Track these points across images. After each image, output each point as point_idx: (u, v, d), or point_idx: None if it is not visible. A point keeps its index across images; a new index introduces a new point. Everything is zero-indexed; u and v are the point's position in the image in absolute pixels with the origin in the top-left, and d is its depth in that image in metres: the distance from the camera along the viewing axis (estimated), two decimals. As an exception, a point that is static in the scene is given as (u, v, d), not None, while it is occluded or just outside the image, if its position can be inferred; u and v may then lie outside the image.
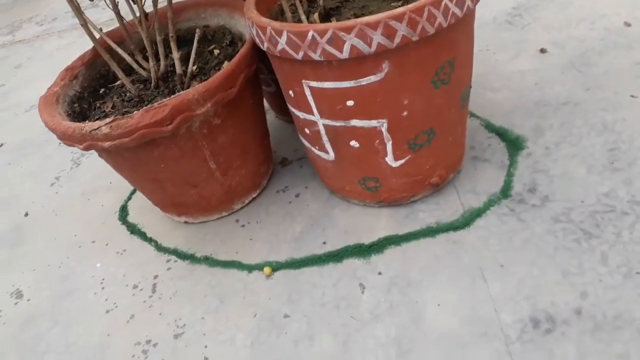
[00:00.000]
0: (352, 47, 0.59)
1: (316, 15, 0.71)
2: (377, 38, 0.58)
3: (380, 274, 0.72)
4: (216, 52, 0.85)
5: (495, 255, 0.70)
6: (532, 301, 0.63)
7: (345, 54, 0.60)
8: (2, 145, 1.38)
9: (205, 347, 0.70)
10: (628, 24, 1.06)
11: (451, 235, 0.74)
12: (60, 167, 1.19)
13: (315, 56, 0.61)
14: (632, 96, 0.88)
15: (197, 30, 0.79)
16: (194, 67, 0.80)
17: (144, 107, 0.69)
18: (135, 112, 0.68)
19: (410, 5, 0.58)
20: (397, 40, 0.58)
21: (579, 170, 0.78)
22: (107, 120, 0.68)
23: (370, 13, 0.68)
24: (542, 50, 1.06)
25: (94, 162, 1.17)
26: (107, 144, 0.69)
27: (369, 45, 0.59)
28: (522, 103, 0.94)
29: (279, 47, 0.64)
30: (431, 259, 0.72)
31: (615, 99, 0.89)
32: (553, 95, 0.94)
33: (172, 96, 0.69)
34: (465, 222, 0.75)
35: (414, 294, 0.68)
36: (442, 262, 0.71)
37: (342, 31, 0.58)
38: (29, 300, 0.87)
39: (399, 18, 0.57)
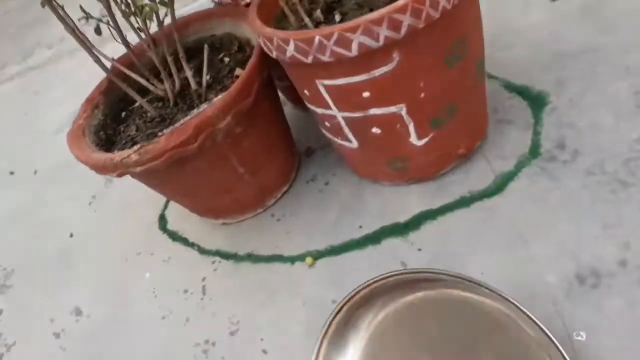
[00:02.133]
0: (360, 44, 0.59)
1: (319, 12, 0.71)
2: (384, 32, 0.58)
3: (420, 250, 0.74)
4: (226, 59, 0.86)
5: (532, 217, 0.70)
6: (575, 258, 0.63)
7: (354, 52, 0.60)
8: (36, 172, 1.42)
9: (262, 340, 0.73)
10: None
11: (485, 202, 0.75)
12: (94, 186, 1.23)
13: (325, 58, 0.61)
14: (652, 35, 0.86)
15: (205, 45, 0.80)
16: (208, 77, 0.81)
17: (168, 130, 0.71)
18: (160, 135, 0.70)
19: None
20: (403, 30, 0.58)
21: (607, 119, 0.77)
22: (136, 148, 0.70)
23: (372, 2, 0.68)
24: None
25: (126, 177, 1.20)
26: (138, 169, 0.72)
27: (376, 40, 0.59)
28: (539, 57, 0.93)
29: (288, 54, 0.64)
30: (469, 228, 0.72)
31: (635, 40, 0.87)
32: (570, 45, 0.92)
33: (191, 115, 0.71)
34: (497, 187, 0.76)
35: (456, 266, 0.69)
36: (479, 231, 0.71)
37: (347, 32, 0.58)
38: (88, 316, 0.91)
39: (402, 10, 0.57)
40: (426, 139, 0.73)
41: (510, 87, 0.90)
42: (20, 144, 1.62)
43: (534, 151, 0.78)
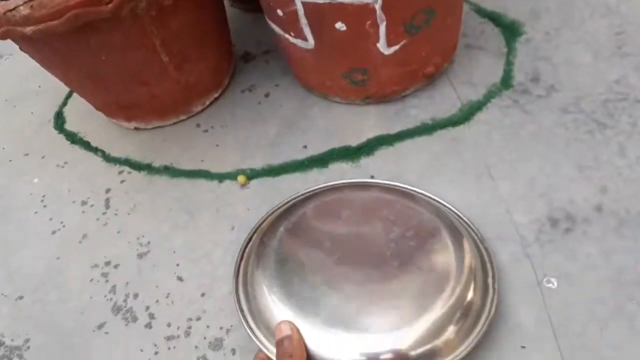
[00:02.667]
0: None
1: None
2: None
3: (372, 177, 0.64)
4: None
5: (501, 151, 0.62)
6: (548, 199, 0.57)
7: None
8: None
9: (177, 265, 0.61)
10: None
11: (450, 131, 0.66)
12: (-27, 70, 1.00)
13: None
14: (635, -25, 0.80)
15: None
16: None
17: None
18: (63, -15, 0.53)
19: None
20: None
21: (585, 57, 0.70)
22: (27, -2, 0.53)
23: None
24: None
25: (16, 64, 0.99)
26: (29, 30, 0.54)
27: None
28: (514, -15, 0.84)
29: None
30: (429, 158, 0.64)
31: (617, -21, 0.80)
32: (548, -24, 0.84)
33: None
34: (464, 116, 0.67)
35: (414, 197, 0.60)
36: (442, 161, 0.63)
37: None
38: (-46, 224, 0.73)
39: None
40: (396, 47, 0.62)
41: (482, 12, 0.81)
42: None
43: (506, 82, 0.70)
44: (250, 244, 0.58)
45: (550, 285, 0.51)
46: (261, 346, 0.48)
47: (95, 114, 0.80)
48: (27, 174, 0.77)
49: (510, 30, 0.76)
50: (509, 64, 0.72)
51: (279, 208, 0.60)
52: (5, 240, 0.69)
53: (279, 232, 0.55)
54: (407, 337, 0.45)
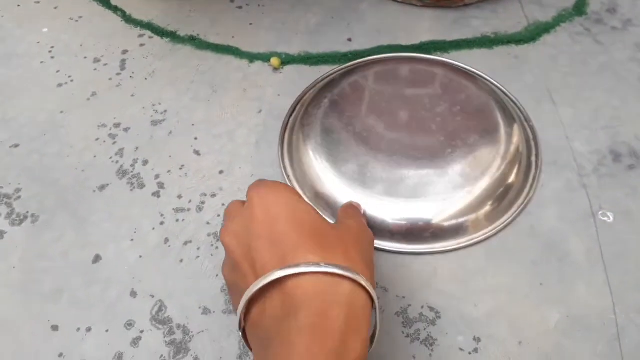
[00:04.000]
0: None
1: None
2: None
3: (421, 81, 0.58)
4: None
5: (566, 77, 0.57)
6: (612, 132, 0.52)
7: None
8: None
9: (196, 139, 0.55)
10: None
11: (512, 48, 0.60)
12: None
13: None
14: None
15: None
16: None
17: None
18: None
19: None
20: None
21: (668, -3, 0.64)
22: None
23: None
24: None
25: None
26: None
27: None
28: None
29: None
30: (487, 72, 0.58)
31: None
32: None
33: None
34: (530, 35, 0.61)
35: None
36: (500, 78, 0.57)
37: None
38: (-52, 60, 0.66)
39: None
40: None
41: None
42: None
43: (579, 8, 0.63)
44: (295, 113, 0.56)
45: (605, 218, 0.46)
46: None
47: (119, -29, 0.72)
48: (35, 22, 0.69)
49: (590, -42, 0.69)
50: (584, -9, 0.65)
51: (322, 80, 0.58)
52: (5, 87, 0.62)
53: (324, 103, 0.53)
54: (446, 208, 0.46)
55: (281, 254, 0.29)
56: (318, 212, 0.33)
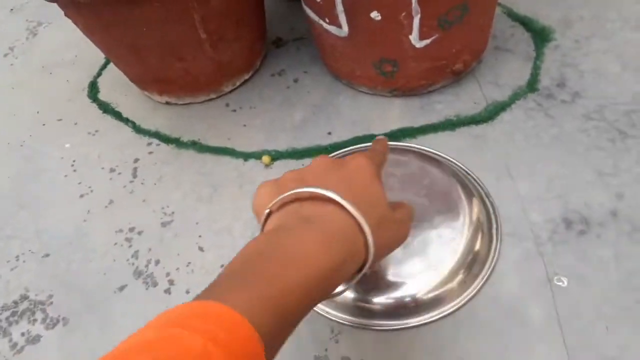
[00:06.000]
0: None
1: None
2: None
3: (394, 167, 0.65)
4: None
5: (521, 151, 0.64)
6: (564, 201, 0.58)
7: None
8: (-61, 8, 1.18)
9: (200, 236, 0.63)
10: None
11: (473, 129, 0.68)
12: (14, 37, 1.03)
13: None
14: (670, -10, 0.80)
15: None
16: None
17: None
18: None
19: None
20: None
21: (612, 67, 0.71)
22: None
23: None
24: (570, -64, 0.95)
25: (54, 32, 1.02)
26: (82, -6, 0.57)
27: None
28: (547, -8, 0.85)
29: None
30: (451, 153, 0.65)
31: (651, -7, 0.80)
32: (582, -15, 0.85)
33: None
34: (488, 115, 0.68)
35: (434, 189, 0.62)
36: (463, 157, 0.64)
37: None
38: (-13, 180, 0.76)
39: None
40: (427, 41, 0.63)
41: (514, 16, 0.81)
42: None
43: (532, 85, 0.71)
44: None
45: (560, 283, 0.52)
46: None
47: (128, 86, 0.83)
48: (59, 139, 0.80)
49: (540, 36, 0.77)
50: (536, 68, 0.73)
51: None
52: (35, 200, 0.72)
53: None
54: (422, 283, 0.53)
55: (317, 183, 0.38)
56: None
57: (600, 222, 0.56)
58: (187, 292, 0.59)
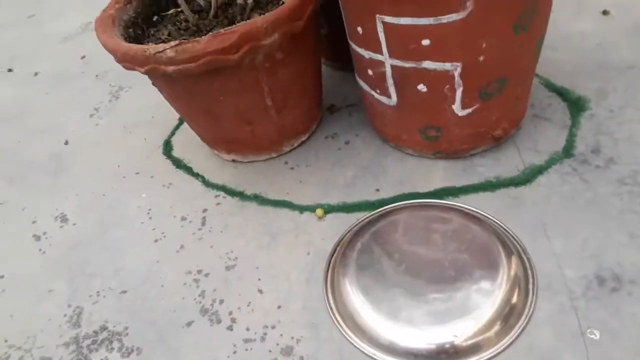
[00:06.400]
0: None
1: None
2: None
3: (437, 223, 0.71)
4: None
5: (557, 213, 0.69)
6: (597, 260, 0.62)
7: (429, -12, 0.58)
8: (37, 74, 1.36)
9: (259, 280, 0.70)
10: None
11: (511, 190, 0.73)
12: (98, 99, 1.18)
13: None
14: (702, 65, 0.85)
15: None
16: (251, -1, 0.77)
17: (211, 33, 0.67)
18: (202, 37, 0.66)
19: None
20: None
21: (645, 135, 0.76)
22: (173, 43, 0.66)
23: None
24: (605, 12, 1.03)
25: (134, 96, 1.16)
26: (171, 69, 0.68)
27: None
28: (583, 64, 0.92)
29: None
30: (490, 212, 0.71)
31: (683, 67, 0.86)
32: (617, 59, 0.91)
33: (239, 23, 0.67)
34: (526, 178, 0.74)
35: (474, 244, 0.67)
36: (501, 217, 0.70)
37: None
38: (74, 224, 0.87)
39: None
40: (469, 110, 0.71)
41: (551, 87, 0.88)
42: (23, 44, 1.55)
43: (568, 151, 0.76)
44: (335, 254, 0.71)
45: (592, 336, 0.56)
46: (346, 336, 0.61)
47: (198, 145, 0.93)
48: (137, 190, 0.90)
49: (576, 106, 0.84)
50: (571, 135, 0.79)
51: (355, 225, 0.73)
52: (115, 244, 0.82)
53: (357, 246, 0.69)
54: (461, 330, 0.58)
55: None
56: None
57: (632, 280, 0.59)
58: (247, 329, 0.65)
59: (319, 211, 0.77)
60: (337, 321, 0.63)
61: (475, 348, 0.57)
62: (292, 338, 0.63)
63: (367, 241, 0.69)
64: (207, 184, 0.88)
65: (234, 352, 0.63)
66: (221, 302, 0.69)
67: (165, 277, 0.74)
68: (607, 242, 0.64)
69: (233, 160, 0.90)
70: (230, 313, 0.68)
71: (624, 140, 0.76)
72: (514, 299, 0.60)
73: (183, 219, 0.82)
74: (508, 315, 0.58)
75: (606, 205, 0.68)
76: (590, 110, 0.82)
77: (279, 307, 0.67)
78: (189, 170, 0.91)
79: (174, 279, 0.74)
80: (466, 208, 0.71)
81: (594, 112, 0.82)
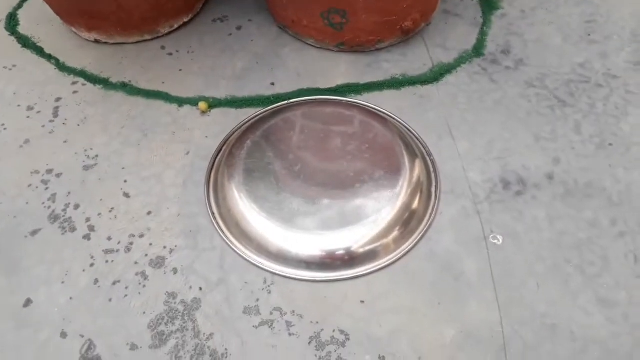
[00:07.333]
0: None
1: None
2: None
3: (336, 121, 0.63)
4: None
5: (464, 113, 0.63)
6: (503, 162, 0.58)
7: None
8: None
9: (125, 182, 0.59)
10: None
11: (418, 89, 0.66)
12: None
13: None
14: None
15: None
16: None
17: None
18: None
19: None
20: None
21: (555, 38, 0.72)
22: None
23: None
24: None
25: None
26: None
27: None
28: (497, -37, 0.85)
29: None
30: (395, 111, 0.64)
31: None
32: (530, -40, 0.86)
33: None
34: (433, 76, 0.67)
35: (376, 145, 0.60)
36: (406, 116, 0.63)
37: None
38: None
39: None
40: (380, -7, 0.61)
41: (464, -18, 0.81)
42: None
43: (478, 50, 0.71)
44: (220, 154, 0.60)
45: (495, 241, 0.52)
46: (230, 244, 0.53)
47: (52, 21, 0.75)
48: (-31, 72, 0.71)
49: (488, 3, 0.77)
50: (482, 34, 0.73)
51: (246, 123, 0.63)
52: (-64, 135, 0.64)
53: (247, 145, 0.59)
54: (357, 236, 0.51)
55: None
56: None
57: (537, 184, 0.56)
58: (109, 238, 0.54)
59: (202, 105, 0.65)
60: (220, 228, 0.54)
61: (372, 255, 0.51)
62: (165, 248, 0.53)
63: (258, 140, 0.59)
64: (61, 67, 0.71)
65: (92, 265, 0.52)
66: (76, 207, 0.57)
67: (4, 177, 0.60)
68: (513, 145, 0.60)
69: (96, 41, 0.73)
70: (88, 220, 0.56)
71: (533, 42, 0.72)
72: (415, 204, 0.54)
73: (30, 108, 0.66)
74: (408, 221, 0.53)
75: (514, 107, 0.64)
76: (502, 9, 0.77)
77: (149, 213, 0.56)
78: (38, 50, 0.74)
79: (15, 179, 0.59)
80: (369, 106, 0.64)
81: (505, 12, 0.76)
